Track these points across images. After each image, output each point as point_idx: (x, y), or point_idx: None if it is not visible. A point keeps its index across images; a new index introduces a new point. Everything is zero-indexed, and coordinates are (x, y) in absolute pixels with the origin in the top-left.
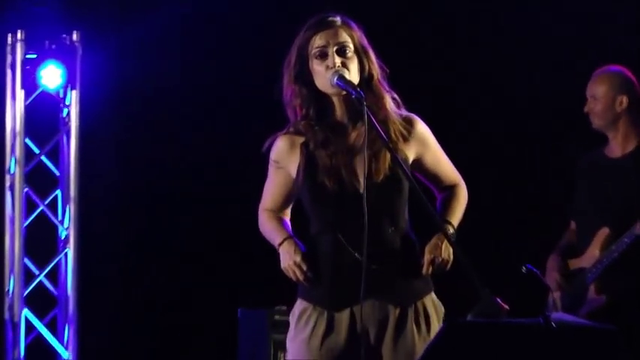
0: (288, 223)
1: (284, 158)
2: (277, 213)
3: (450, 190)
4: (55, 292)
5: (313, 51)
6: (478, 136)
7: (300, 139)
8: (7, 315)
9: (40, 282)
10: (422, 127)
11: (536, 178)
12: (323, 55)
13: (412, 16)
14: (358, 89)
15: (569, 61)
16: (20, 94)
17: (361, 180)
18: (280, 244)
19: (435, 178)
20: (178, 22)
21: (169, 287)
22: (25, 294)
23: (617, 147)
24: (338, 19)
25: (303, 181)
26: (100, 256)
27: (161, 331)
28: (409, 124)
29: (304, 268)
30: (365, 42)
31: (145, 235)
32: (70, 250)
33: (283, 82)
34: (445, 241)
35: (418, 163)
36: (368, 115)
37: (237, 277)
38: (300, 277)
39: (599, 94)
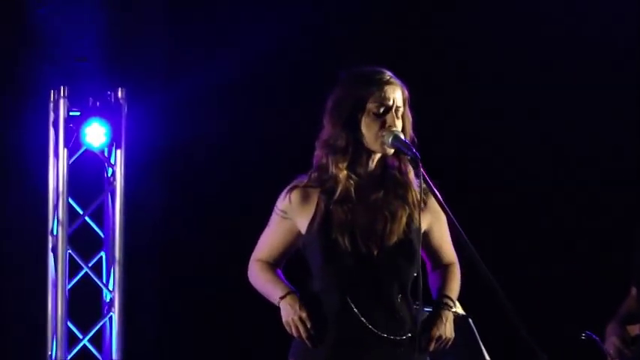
0: (283, 275)
1: (293, 209)
2: (271, 265)
3: (447, 267)
4: (100, 357)
5: (372, 105)
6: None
7: (316, 191)
8: None
9: (84, 347)
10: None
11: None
12: (382, 112)
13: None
14: (414, 150)
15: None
16: (63, 152)
17: (377, 241)
18: (282, 298)
19: (436, 254)
20: (226, 79)
21: (220, 350)
22: (68, 359)
23: None
24: (397, 79)
25: (316, 235)
26: (146, 319)
27: None
28: (425, 195)
29: (309, 325)
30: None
31: (194, 298)
32: (115, 314)
33: (325, 121)
34: (449, 319)
35: (426, 235)
36: (424, 176)
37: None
38: (304, 335)
39: None
